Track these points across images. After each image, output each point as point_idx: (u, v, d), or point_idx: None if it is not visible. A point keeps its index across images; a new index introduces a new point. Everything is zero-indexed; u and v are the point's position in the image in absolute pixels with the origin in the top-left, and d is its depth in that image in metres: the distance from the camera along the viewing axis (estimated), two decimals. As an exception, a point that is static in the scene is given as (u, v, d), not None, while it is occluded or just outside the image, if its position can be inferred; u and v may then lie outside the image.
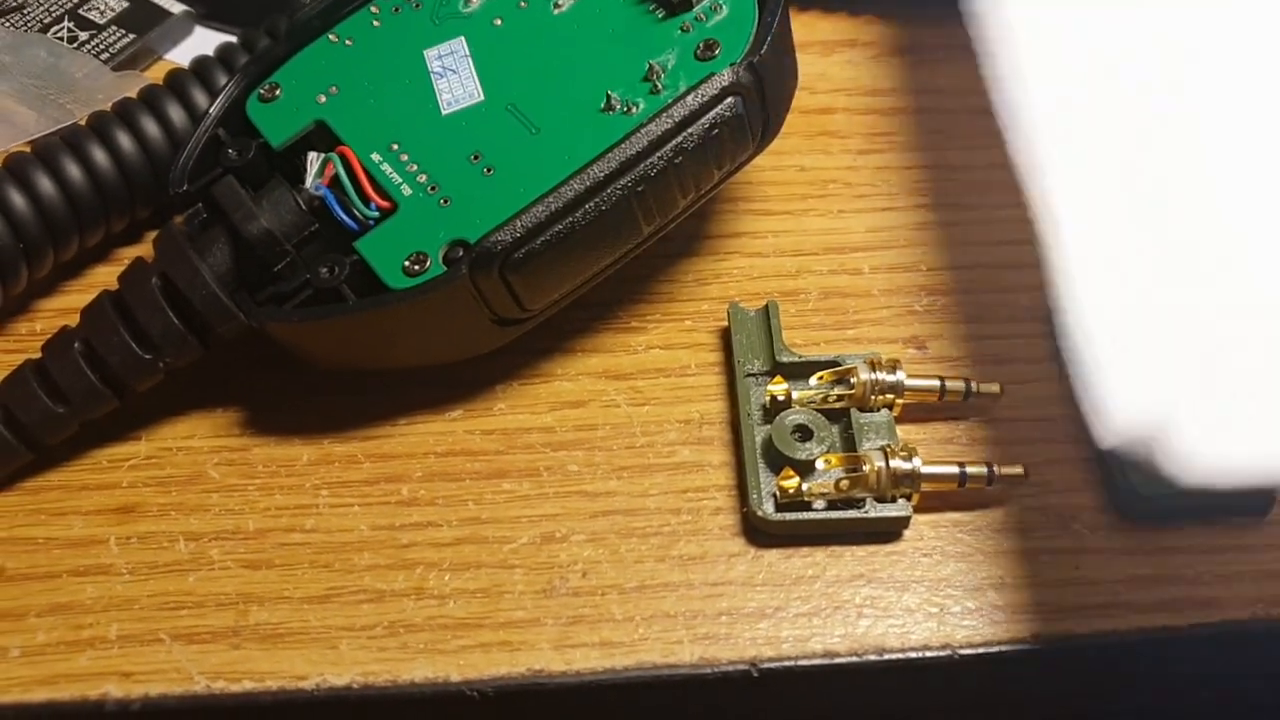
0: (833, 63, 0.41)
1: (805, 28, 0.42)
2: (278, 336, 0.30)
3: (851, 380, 0.31)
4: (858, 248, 0.36)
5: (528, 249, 0.29)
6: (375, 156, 0.32)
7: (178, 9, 0.41)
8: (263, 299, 0.31)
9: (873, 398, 0.31)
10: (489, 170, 0.31)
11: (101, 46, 0.40)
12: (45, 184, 0.33)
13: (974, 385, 0.32)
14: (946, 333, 0.34)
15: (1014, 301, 0.35)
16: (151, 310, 0.30)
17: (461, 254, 0.29)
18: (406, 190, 0.31)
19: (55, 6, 0.41)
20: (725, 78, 0.30)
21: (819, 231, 0.37)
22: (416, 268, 0.29)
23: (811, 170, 0.38)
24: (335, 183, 0.31)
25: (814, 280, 0.35)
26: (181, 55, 0.42)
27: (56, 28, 0.40)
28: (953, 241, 0.36)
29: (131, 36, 0.40)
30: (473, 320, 0.30)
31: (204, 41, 0.42)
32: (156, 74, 0.41)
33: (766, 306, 0.33)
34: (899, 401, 0.31)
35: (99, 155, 0.34)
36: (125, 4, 0.41)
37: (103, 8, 0.41)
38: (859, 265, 0.36)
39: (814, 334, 0.34)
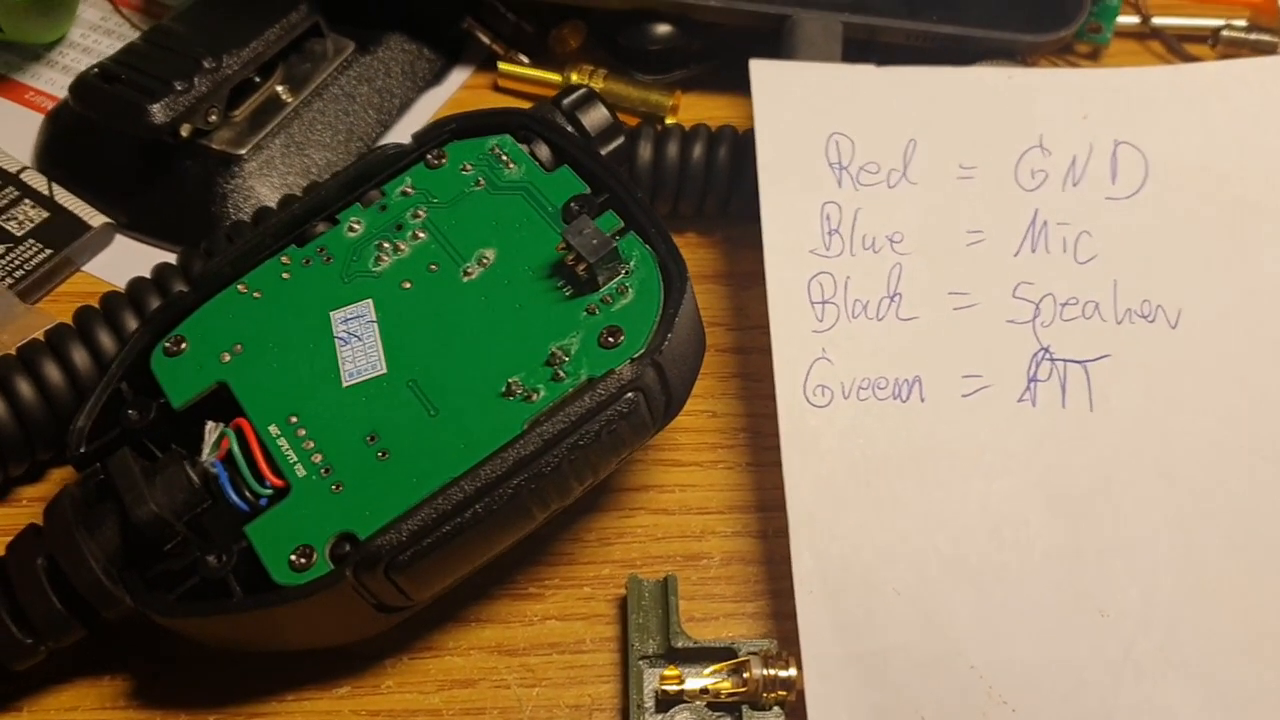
0: (752, 296, 0.41)
1: (727, 256, 0.43)
2: (164, 625, 0.30)
3: (744, 674, 0.31)
4: (764, 506, 0.36)
5: (413, 550, 0.29)
6: (273, 429, 0.31)
7: (98, 220, 0.41)
8: (152, 576, 0.30)
9: (765, 694, 0.31)
10: (384, 454, 0.30)
11: (18, 262, 0.40)
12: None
13: (867, 680, 0.32)
14: (846, 609, 0.34)
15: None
16: (35, 594, 0.30)
17: (348, 550, 0.29)
18: (300, 471, 0.31)
19: (-28, 217, 0.41)
20: (625, 374, 0.30)
21: (726, 487, 0.37)
22: (303, 561, 0.29)
23: (723, 416, 0.38)
24: (230, 458, 0.31)
25: (718, 543, 0.35)
26: (101, 267, 0.42)
27: (-27, 239, 0.40)
28: (858, 505, 0.36)
29: (49, 252, 0.40)
30: (357, 611, 0.30)
31: (125, 251, 0.42)
32: (75, 286, 0.41)
33: (666, 581, 0.33)
34: (791, 699, 0.31)
35: (-2, 405, 0.34)
36: (44, 214, 0.41)
37: (21, 218, 0.41)
38: (764, 527, 0.36)
39: (714, 605, 0.34)
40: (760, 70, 0.40)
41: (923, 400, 0.35)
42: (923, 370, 0.35)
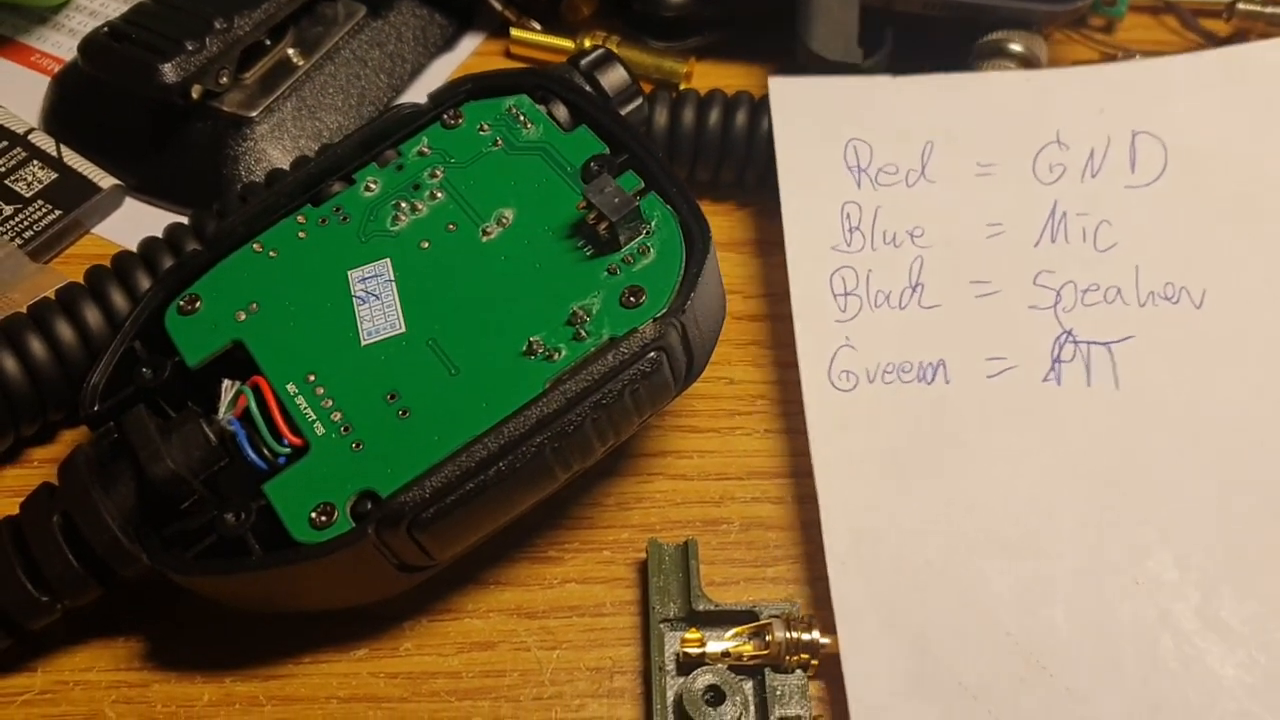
0: (768, 264, 0.41)
1: (742, 224, 0.42)
2: (181, 583, 0.30)
3: (766, 637, 0.31)
4: (783, 472, 0.36)
5: (436, 508, 0.28)
6: (291, 388, 0.31)
7: (107, 182, 0.41)
8: (169, 535, 0.30)
9: (788, 657, 0.31)
10: (404, 413, 0.30)
11: (26, 223, 0.39)
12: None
13: (889, 644, 0.31)
14: (866, 574, 0.34)
15: (935, 543, 0.34)
16: (51, 551, 0.29)
17: (369, 508, 0.29)
18: (319, 429, 0.30)
19: (-21, 177, 0.40)
20: (648, 333, 0.30)
21: (744, 453, 0.36)
22: (323, 519, 0.29)
23: (741, 384, 0.38)
24: (247, 416, 0.30)
25: (737, 509, 0.35)
26: (111, 229, 0.41)
27: (-20, 200, 0.40)
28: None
29: (59, 213, 0.39)
30: (378, 570, 0.30)
31: (135, 214, 0.41)
32: (84, 249, 0.40)
33: (686, 545, 0.33)
34: (814, 663, 0.31)
35: (9, 363, 0.33)
36: (53, 175, 0.40)
37: (30, 179, 0.40)
38: (783, 493, 0.35)
39: (734, 570, 0.34)
40: (779, 86, 0.41)
41: (947, 382, 0.35)
42: (946, 354, 0.36)
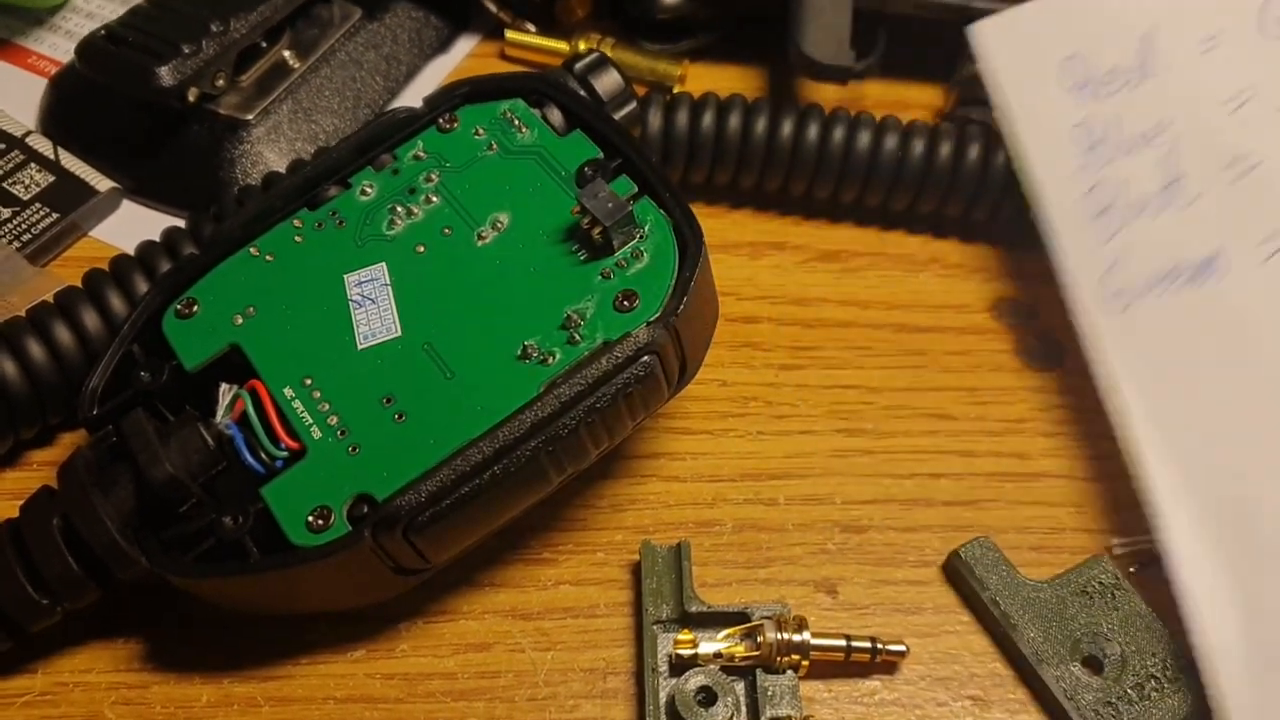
0: (760, 267, 0.41)
1: (735, 227, 0.43)
2: (179, 586, 0.30)
3: (758, 638, 0.31)
4: (775, 474, 0.36)
5: (432, 511, 0.29)
6: (288, 391, 0.31)
7: (105, 185, 0.41)
8: (167, 537, 0.30)
9: (779, 658, 0.31)
10: (400, 417, 0.30)
11: (24, 226, 0.39)
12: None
13: (880, 645, 0.32)
14: (857, 576, 0.34)
15: (923, 544, 0.35)
16: (50, 554, 0.30)
17: (366, 512, 0.29)
18: (316, 433, 0.30)
19: (-24, 180, 0.41)
20: (641, 337, 0.30)
21: (737, 455, 0.37)
22: (320, 523, 0.29)
23: (733, 385, 0.38)
24: (245, 420, 0.31)
25: (730, 510, 0.35)
26: (108, 232, 0.41)
27: (-23, 203, 0.40)
28: (867, 472, 0.36)
29: (55, 215, 0.40)
30: (375, 573, 0.30)
31: (132, 216, 0.42)
32: (82, 251, 0.40)
33: (679, 547, 0.33)
34: (805, 663, 0.31)
35: (8, 367, 0.33)
36: (50, 178, 0.41)
37: (27, 182, 0.40)
38: (775, 495, 0.36)
39: (726, 571, 0.34)
40: (983, 32, 0.39)
41: (1226, 274, 0.35)
42: (1218, 244, 0.35)
